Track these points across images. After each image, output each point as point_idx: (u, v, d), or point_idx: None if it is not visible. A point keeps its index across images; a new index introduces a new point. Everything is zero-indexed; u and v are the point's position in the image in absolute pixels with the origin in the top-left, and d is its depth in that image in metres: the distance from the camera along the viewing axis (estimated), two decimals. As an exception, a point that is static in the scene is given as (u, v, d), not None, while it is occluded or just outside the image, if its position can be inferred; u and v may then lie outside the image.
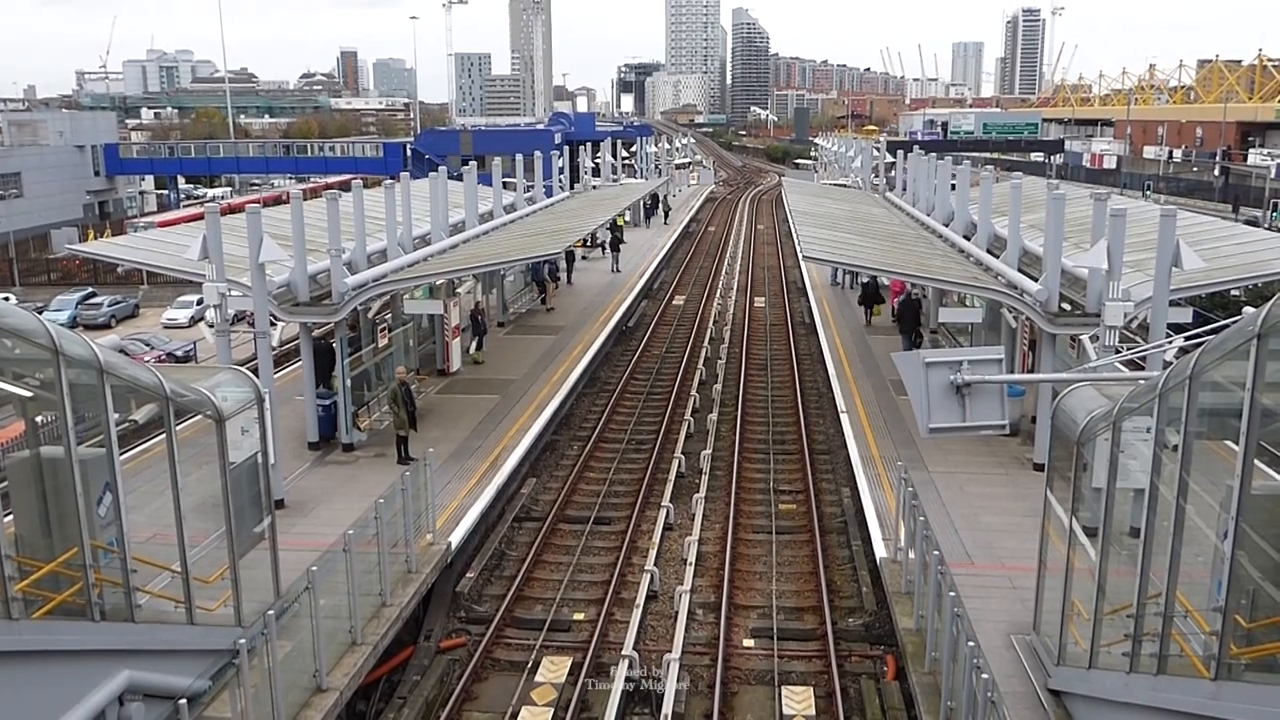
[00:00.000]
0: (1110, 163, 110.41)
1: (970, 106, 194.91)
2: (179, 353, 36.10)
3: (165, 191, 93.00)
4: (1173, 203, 61.07)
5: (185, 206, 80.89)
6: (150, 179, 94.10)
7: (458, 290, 27.90)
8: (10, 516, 11.48)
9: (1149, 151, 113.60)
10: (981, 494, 18.42)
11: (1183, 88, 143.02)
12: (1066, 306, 19.26)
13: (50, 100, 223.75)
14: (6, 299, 41.29)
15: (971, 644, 10.56)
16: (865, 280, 33.97)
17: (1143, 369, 17.38)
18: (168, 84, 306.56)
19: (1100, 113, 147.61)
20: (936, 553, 13.01)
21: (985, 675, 9.94)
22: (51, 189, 76.15)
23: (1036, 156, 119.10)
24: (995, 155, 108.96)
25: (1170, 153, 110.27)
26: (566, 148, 61.07)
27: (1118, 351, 16.97)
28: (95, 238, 54.77)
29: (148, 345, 35.92)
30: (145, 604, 11.51)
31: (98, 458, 10.94)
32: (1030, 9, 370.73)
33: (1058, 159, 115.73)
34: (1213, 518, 8.63)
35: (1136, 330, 19.86)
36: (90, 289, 49.75)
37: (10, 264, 57.05)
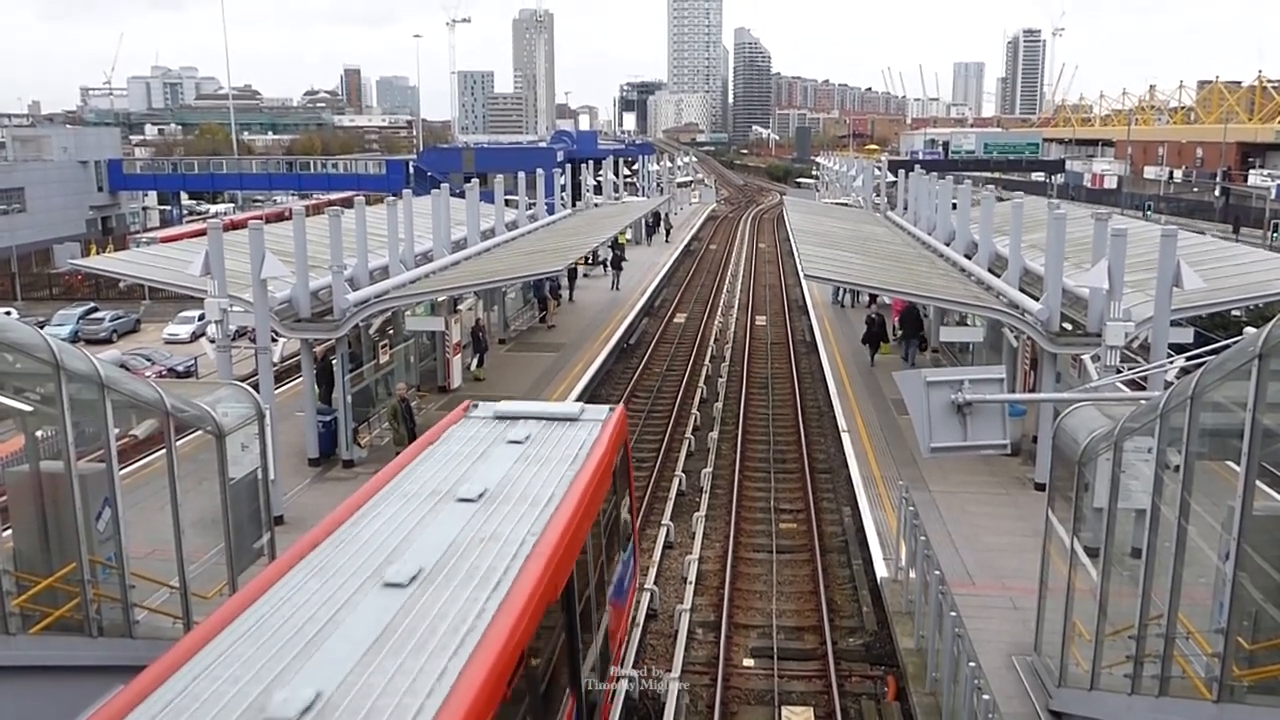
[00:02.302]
0: (1111, 183, 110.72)
1: (971, 126, 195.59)
2: (180, 368, 36.12)
3: (168, 207, 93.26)
4: (1173, 223, 61.13)
5: (188, 222, 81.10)
6: (153, 195, 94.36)
7: (459, 307, 27.94)
8: (9, 531, 11.48)
9: (1149, 172, 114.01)
10: (983, 514, 18.38)
11: (1183, 108, 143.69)
12: (1068, 326, 19.28)
13: (54, 116, 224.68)
14: (8, 313, 41.34)
15: (972, 664, 10.51)
16: (871, 316, 30.84)
17: (1144, 389, 17.37)
18: (172, 100, 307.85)
19: (1101, 133, 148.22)
20: (937, 572, 12.97)
21: (986, 696, 9.89)
22: (55, 204, 76.36)
23: (1038, 176, 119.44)
24: (996, 175, 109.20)
25: (1170, 173, 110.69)
26: (568, 165, 61.20)
27: (1119, 371, 16.97)
28: (98, 253, 54.91)
29: (149, 360, 35.97)
30: (143, 620, 11.48)
31: (97, 472, 10.94)
32: (1031, 30, 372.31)
33: (1059, 179, 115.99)
34: (1214, 538, 8.61)
35: (1138, 350, 19.89)
36: (92, 304, 49.83)
37: (12, 278, 57.18)
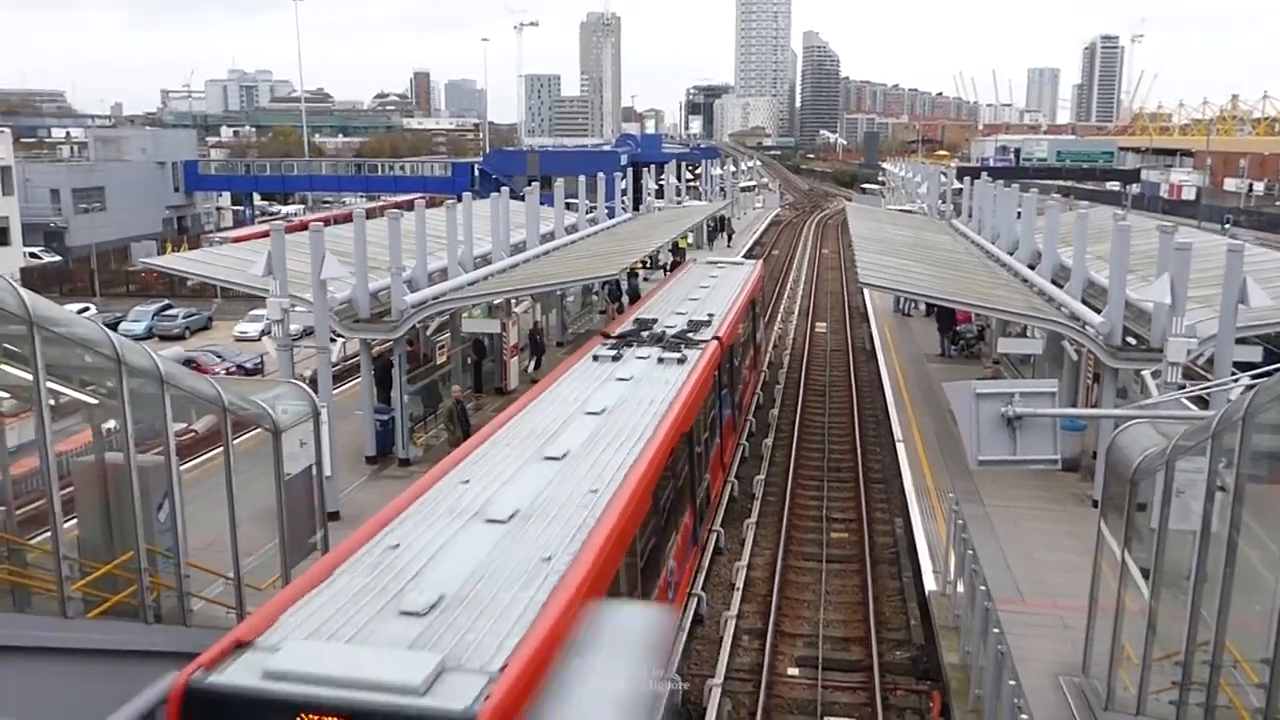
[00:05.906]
0: (1189, 194, 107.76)
1: (1045, 133, 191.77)
2: (248, 365, 36.91)
3: (241, 208, 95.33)
4: (1260, 239, 59.35)
5: (259, 223, 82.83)
6: (227, 195, 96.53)
7: (516, 310, 28.21)
8: (74, 520, 11.90)
9: (1230, 184, 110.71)
10: (1037, 530, 18.08)
11: (1267, 119, 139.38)
12: (1131, 340, 18.86)
13: (135, 118, 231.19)
14: (86, 309, 42.71)
15: (1012, 683, 10.36)
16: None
17: (1208, 407, 16.93)
18: (247, 103, 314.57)
19: (1179, 142, 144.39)
20: (983, 587, 12.81)
21: (1025, 716, 9.74)
22: (133, 203, 78.40)
23: (1112, 185, 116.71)
24: (1069, 183, 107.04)
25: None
26: (631, 169, 61.34)
27: (1181, 388, 16.56)
28: (173, 251, 56.42)
29: (219, 357, 36.84)
30: (199, 609, 11.82)
31: (157, 465, 11.30)
32: (1108, 36, 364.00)
33: (1134, 189, 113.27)
34: (1269, 564, 8.40)
35: (1204, 367, 19.40)
36: (167, 301, 51.19)
37: (91, 275, 58.99)
